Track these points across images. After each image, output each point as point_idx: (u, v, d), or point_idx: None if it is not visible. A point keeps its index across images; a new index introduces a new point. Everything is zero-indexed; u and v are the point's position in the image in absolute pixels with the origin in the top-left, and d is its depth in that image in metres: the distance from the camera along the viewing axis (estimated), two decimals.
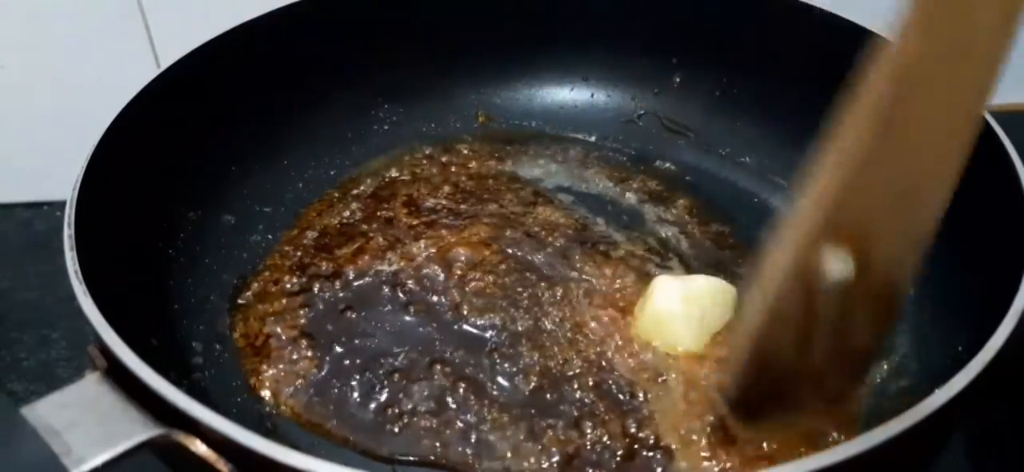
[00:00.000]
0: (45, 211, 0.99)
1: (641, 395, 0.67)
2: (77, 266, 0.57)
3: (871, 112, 0.46)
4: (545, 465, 0.63)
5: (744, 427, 0.63)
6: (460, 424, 0.65)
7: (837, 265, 0.49)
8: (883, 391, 0.66)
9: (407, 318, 0.73)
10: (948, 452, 0.68)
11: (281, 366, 0.70)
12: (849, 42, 0.79)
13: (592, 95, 0.96)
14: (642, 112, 0.94)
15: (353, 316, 0.73)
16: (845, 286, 0.50)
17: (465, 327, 0.72)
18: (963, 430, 0.71)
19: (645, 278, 0.76)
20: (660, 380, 0.68)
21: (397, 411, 0.66)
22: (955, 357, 0.54)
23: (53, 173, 0.77)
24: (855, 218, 0.49)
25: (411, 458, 0.64)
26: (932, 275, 0.70)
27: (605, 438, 0.64)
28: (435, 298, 0.74)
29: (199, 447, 0.48)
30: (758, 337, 0.53)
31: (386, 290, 0.75)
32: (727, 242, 0.81)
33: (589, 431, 0.64)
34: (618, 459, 0.63)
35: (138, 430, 0.49)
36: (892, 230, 0.51)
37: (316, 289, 0.76)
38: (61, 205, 0.62)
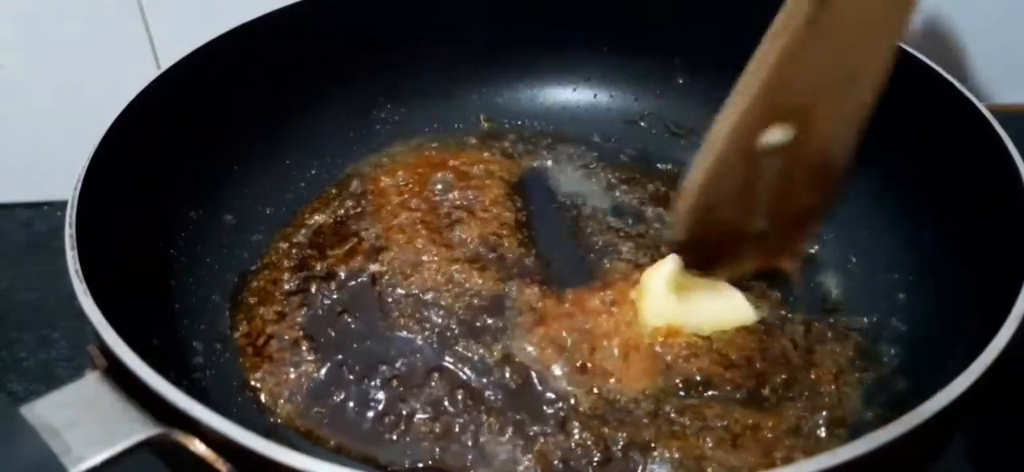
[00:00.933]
0: (45, 211, 1.00)
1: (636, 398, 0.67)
2: (78, 265, 0.57)
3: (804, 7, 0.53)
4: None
5: (695, 271, 0.68)
6: (457, 430, 0.65)
7: (774, 133, 0.58)
8: (884, 393, 0.66)
9: (405, 321, 0.73)
10: (949, 454, 0.68)
11: (280, 369, 0.69)
12: None
13: (595, 96, 0.96)
14: (645, 113, 0.94)
15: (352, 319, 0.73)
16: (783, 151, 0.58)
17: (461, 332, 0.72)
18: (964, 432, 0.71)
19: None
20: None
21: (394, 418, 0.66)
22: (956, 359, 0.54)
23: (53, 173, 0.78)
24: (792, 93, 0.57)
25: (408, 466, 0.64)
26: (933, 275, 0.71)
27: (589, 440, 0.64)
28: (434, 300, 0.74)
29: (198, 447, 0.48)
30: (702, 190, 0.60)
31: (385, 293, 0.75)
32: None
33: (575, 433, 0.64)
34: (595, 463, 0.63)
35: (137, 429, 0.49)
36: (828, 108, 0.59)
37: (315, 290, 0.76)
38: (61, 205, 0.62)
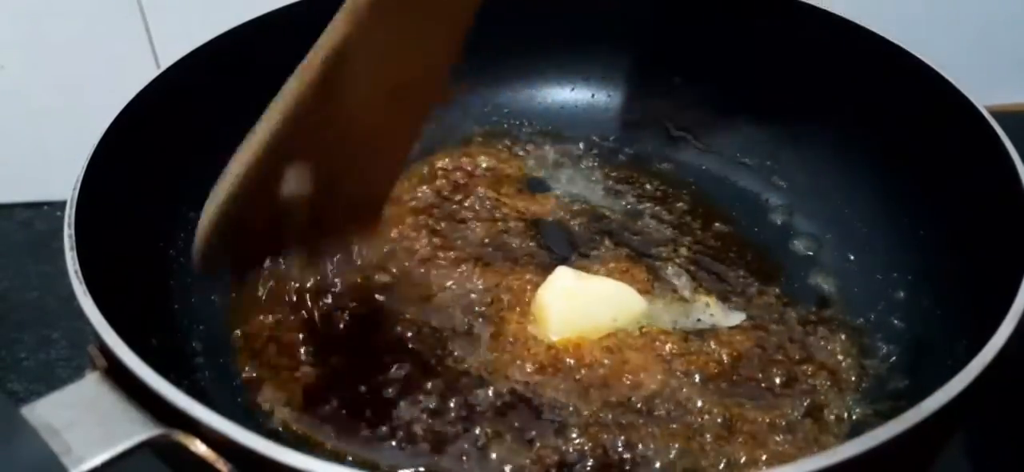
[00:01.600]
0: (45, 211, 1.00)
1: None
2: (77, 266, 0.57)
3: (314, 69, 0.58)
4: None
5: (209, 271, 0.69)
6: (456, 435, 0.65)
7: (291, 179, 0.63)
8: (883, 391, 0.66)
9: (405, 323, 0.73)
10: (948, 452, 0.68)
11: (279, 371, 0.69)
12: (849, 42, 0.80)
13: (593, 95, 0.96)
14: (643, 112, 0.94)
15: (351, 321, 0.73)
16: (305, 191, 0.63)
17: (462, 334, 0.72)
18: (964, 430, 0.71)
19: (642, 278, 0.76)
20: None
21: (392, 426, 0.66)
22: (955, 357, 0.54)
23: (53, 173, 0.77)
24: (304, 145, 0.61)
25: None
26: (931, 274, 0.71)
27: (586, 445, 0.64)
28: (434, 301, 0.74)
29: (199, 447, 0.48)
30: (218, 221, 0.63)
31: (384, 294, 0.75)
32: (727, 242, 0.80)
33: (574, 437, 0.64)
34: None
35: (138, 430, 0.49)
36: (347, 163, 0.64)
37: (314, 290, 0.76)
38: (61, 205, 0.62)
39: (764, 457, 0.63)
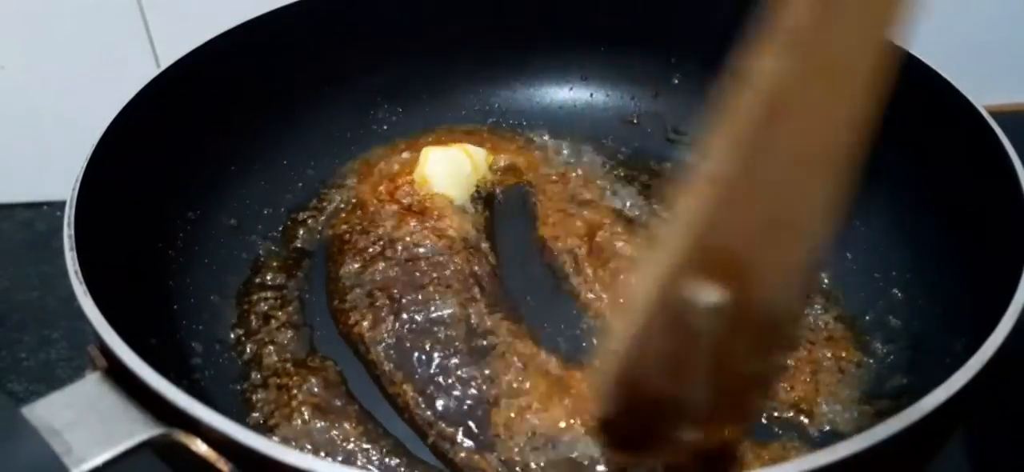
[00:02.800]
0: (45, 211, 1.00)
1: None
2: (77, 266, 0.57)
3: (739, 135, 0.42)
4: None
5: (622, 453, 0.56)
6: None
7: (708, 295, 0.45)
8: (881, 389, 0.66)
9: (399, 328, 0.73)
10: (948, 452, 0.68)
11: (278, 374, 0.70)
12: None
13: (591, 95, 0.96)
14: (641, 112, 0.94)
15: (351, 322, 0.73)
16: (718, 316, 0.46)
17: (461, 340, 0.72)
18: (963, 429, 0.71)
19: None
20: None
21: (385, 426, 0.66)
22: (954, 356, 0.54)
23: (53, 173, 0.78)
24: (725, 246, 0.45)
25: None
26: (930, 272, 0.71)
27: None
28: (434, 300, 0.74)
29: (200, 446, 0.48)
30: (625, 361, 0.49)
31: (383, 296, 0.75)
32: None
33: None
34: None
35: (138, 429, 0.49)
36: (767, 260, 0.46)
37: (315, 291, 0.76)
38: (61, 205, 0.62)
39: (765, 455, 0.63)
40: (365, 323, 0.73)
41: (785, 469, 0.46)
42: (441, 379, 0.68)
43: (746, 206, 0.44)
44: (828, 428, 0.65)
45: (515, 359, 0.69)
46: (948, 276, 0.69)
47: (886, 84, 0.42)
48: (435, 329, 0.72)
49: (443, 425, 0.65)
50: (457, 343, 0.71)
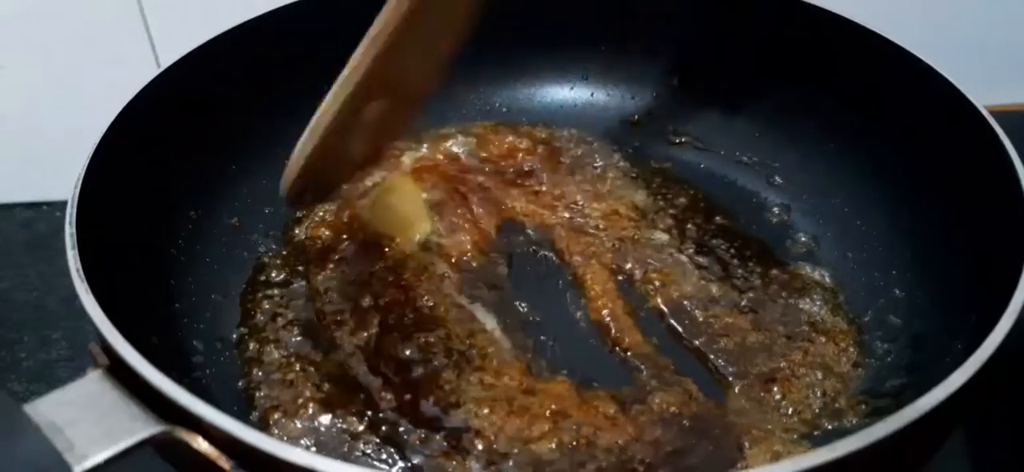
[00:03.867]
0: (45, 211, 1.00)
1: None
2: (79, 264, 0.57)
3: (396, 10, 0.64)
4: None
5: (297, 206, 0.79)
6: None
7: (372, 109, 0.69)
8: (881, 388, 0.66)
9: (380, 331, 0.73)
10: (947, 449, 0.68)
11: (280, 371, 0.70)
12: (848, 42, 0.81)
13: (592, 94, 0.96)
14: (641, 111, 0.94)
15: (351, 321, 0.73)
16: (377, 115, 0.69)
17: (462, 342, 0.71)
18: (963, 428, 0.71)
19: (643, 274, 0.76)
20: None
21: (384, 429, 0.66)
22: (953, 354, 0.55)
23: (53, 173, 0.78)
24: (389, 74, 0.67)
25: None
26: (930, 271, 0.71)
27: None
28: (434, 300, 0.74)
29: (201, 444, 0.49)
30: (306, 166, 0.69)
31: (382, 296, 0.75)
32: (727, 239, 0.81)
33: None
34: None
35: (140, 427, 0.49)
36: (418, 71, 0.71)
37: (315, 292, 0.76)
38: (61, 205, 0.63)
39: (765, 454, 0.63)
40: (348, 326, 0.73)
41: (785, 467, 0.46)
42: (422, 383, 0.68)
43: (407, 48, 0.66)
44: (828, 426, 0.65)
45: (500, 363, 0.69)
46: (948, 275, 0.69)
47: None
48: (417, 333, 0.72)
49: (423, 429, 0.65)
50: (439, 347, 0.71)
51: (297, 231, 0.81)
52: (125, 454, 0.48)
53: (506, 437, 0.64)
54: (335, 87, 0.68)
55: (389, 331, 0.72)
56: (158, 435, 0.49)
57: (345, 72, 0.67)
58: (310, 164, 0.69)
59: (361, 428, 0.65)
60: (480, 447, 0.63)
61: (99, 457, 0.47)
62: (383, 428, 0.65)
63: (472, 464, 0.62)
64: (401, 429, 0.65)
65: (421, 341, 0.71)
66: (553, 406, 0.65)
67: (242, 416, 0.65)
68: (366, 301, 0.74)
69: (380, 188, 0.83)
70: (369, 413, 0.66)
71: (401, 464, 0.63)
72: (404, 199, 0.83)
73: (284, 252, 0.80)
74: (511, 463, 0.62)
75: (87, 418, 0.49)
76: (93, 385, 0.51)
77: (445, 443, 0.64)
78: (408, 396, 0.67)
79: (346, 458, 0.63)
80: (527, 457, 0.63)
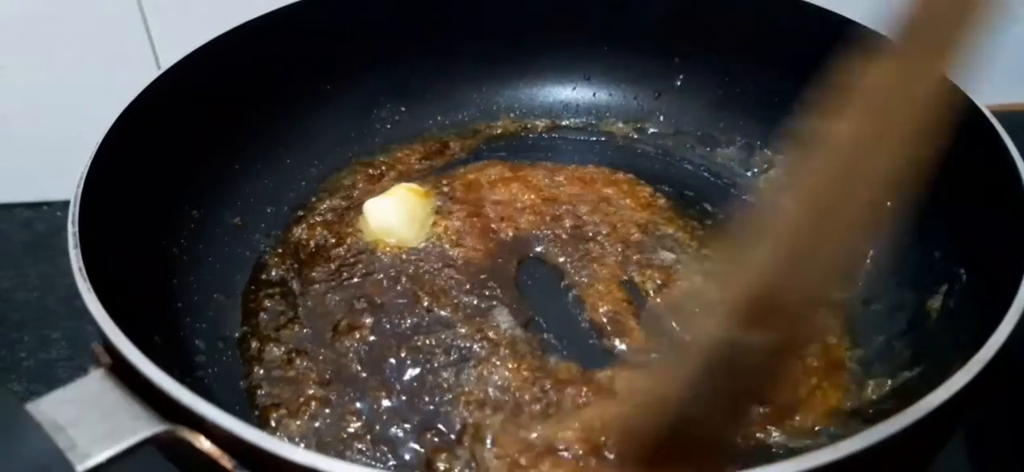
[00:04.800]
0: (45, 211, 1.00)
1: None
2: (81, 263, 0.57)
3: (813, 193, 0.45)
4: None
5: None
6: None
7: (757, 338, 0.46)
8: (882, 388, 0.66)
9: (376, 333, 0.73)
10: (948, 452, 0.68)
11: (281, 369, 0.70)
12: (849, 42, 0.81)
13: (594, 94, 0.96)
14: (643, 112, 0.94)
15: (351, 320, 0.73)
16: (763, 351, 0.47)
17: (462, 342, 0.71)
18: (964, 430, 0.71)
19: (644, 273, 0.76)
20: None
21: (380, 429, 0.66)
22: (955, 355, 0.55)
23: (54, 173, 0.78)
24: (778, 297, 0.46)
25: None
26: (931, 271, 0.71)
27: None
28: (433, 302, 0.74)
29: (203, 443, 0.48)
30: (669, 415, 0.51)
31: (381, 295, 0.75)
32: (727, 238, 0.80)
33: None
34: None
35: (142, 426, 0.49)
36: (804, 299, 0.48)
37: (316, 289, 0.76)
38: (62, 205, 0.63)
39: (762, 453, 0.63)
40: (347, 325, 0.73)
41: (785, 468, 0.46)
42: (417, 385, 0.68)
43: (803, 263, 0.45)
44: (828, 427, 0.65)
45: (499, 363, 0.69)
46: (950, 275, 0.69)
47: (943, 124, 0.45)
48: (414, 336, 0.72)
49: (422, 429, 0.65)
50: (437, 349, 0.71)
51: (297, 231, 0.81)
52: (127, 453, 0.48)
53: (506, 437, 0.64)
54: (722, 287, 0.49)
55: (388, 330, 0.72)
56: (160, 434, 0.49)
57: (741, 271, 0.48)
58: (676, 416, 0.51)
59: (361, 427, 0.65)
60: (478, 446, 0.63)
61: (101, 456, 0.47)
62: (382, 427, 0.65)
63: (471, 462, 0.62)
64: (400, 428, 0.65)
65: (419, 341, 0.71)
66: (555, 404, 0.66)
67: (244, 415, 0.65)
68: (365, 301, 0.74)
69: (384, 194, 0.82)
70: (368, 412, 0.66)
71: (401, 463, 0.63)
72: (401, 208, 0.81)
73: (285, 251, 0.80)
74: (510, 463, 0.62)
75: (89, 417, 0.48)
76: (95, 384, 0.51)
77: (443, 442, 0.64)
78: (407, 395, 0.67)
79: (346, 457, 0.64)
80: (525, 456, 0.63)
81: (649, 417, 0.53)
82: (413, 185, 0.84)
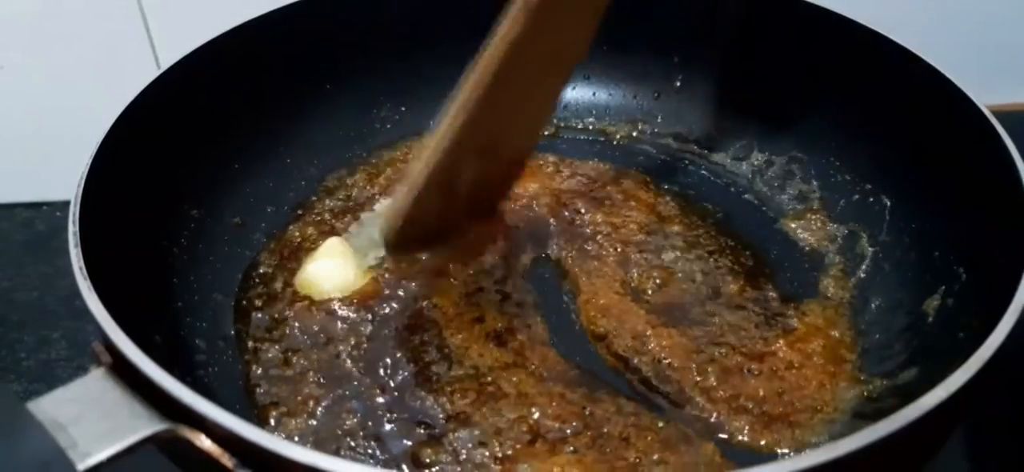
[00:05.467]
0: (45, 211, 1.00)
1: None
2: (82, 262, 0.57)
3: (495, 62, 0.64)
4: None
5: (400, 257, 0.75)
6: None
7: (468, 168, 0.69)
8: (882, 387, 0.66)
9: (396, 328, 0.72)
10: (948, 451, 0.68)
11: (281, 369, 0.70)
12: (850, 42, 0.81)
13: (594, 94, 0.96)
14: (643, 111, 0.94)
15: (351, 320, 0.73)
16: (475, 177, 0.70)
17: (461, 341, 0.71)
18: (963, 428, 0.71)
19: (643, 272, 0.76)
20: None
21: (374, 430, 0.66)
22: (955, 354, 0.55)
23: (54, 173, 0.78)
24: (482, 134, 0.67)
25: None
26: (932, 271, 0.71)
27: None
28: (434, 300, 0.74)
29: (204, 442, 0.49)
30: (408, 213, 0.71)
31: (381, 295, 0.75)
32: (728, 238, 0.81)
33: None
34: None
35: (143, 425, 0.49)
36: (512, 133, 0.72)
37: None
38: (61, 205, 0.63)
39: (763, 452, 0.63)
40: (347, 323, 0.73)
41: (785, 467, 0.46)
42: (410, 387, 0.68)
43: (494, 110, 0.66)
44: (828, 426, 0.65)
45: (498, 363, 0.69)
46: (950, 275, 0.69)
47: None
48: (413, 334, 0.72)
49: (420, 427, 0.65)
50: (435, 347, 0.71)
51: (295, 230, 0.81)
52: (128, 452, 0.48)
53: (505, 437, 0.64)
54: (433, 140, 0.68)
55: (386, 330, 0.72)
56: (161, 433, 0.49)
57: (442, 126, 0.67)
58: (411, 216, 0.71)
59: (359, 424, 0.65)
60: (475, 445, 0.63)
61: (102, 455, 0.47)
62: (381, 426, 0.65)
63: (469, 461, 0.63)
64: (399, 426, 0.65)
65: (418, 341, 0.71)
66: (552, 404, 0.66)
67: (244, 414, 0.65)
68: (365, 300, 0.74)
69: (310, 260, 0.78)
70: (367, 410, 0.66)
71: (399, 460, 0.63)
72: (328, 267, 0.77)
73: (286, 251, 0.80)
74: (510, 462, 0.63)
75: (90, 416, 0.49)
76: (96, 383, 0.51)
77: (442, 441, 0.64)
78: (406, 395, 0.67)
79: (345, 454, 0.64)
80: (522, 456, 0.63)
81: (402, 208, 0.71)
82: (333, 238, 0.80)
